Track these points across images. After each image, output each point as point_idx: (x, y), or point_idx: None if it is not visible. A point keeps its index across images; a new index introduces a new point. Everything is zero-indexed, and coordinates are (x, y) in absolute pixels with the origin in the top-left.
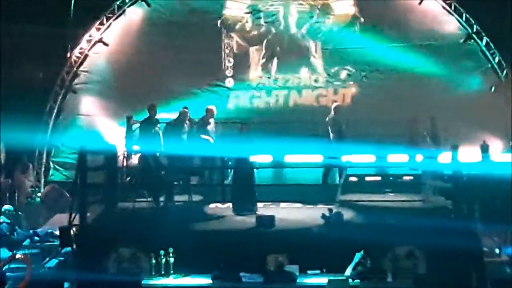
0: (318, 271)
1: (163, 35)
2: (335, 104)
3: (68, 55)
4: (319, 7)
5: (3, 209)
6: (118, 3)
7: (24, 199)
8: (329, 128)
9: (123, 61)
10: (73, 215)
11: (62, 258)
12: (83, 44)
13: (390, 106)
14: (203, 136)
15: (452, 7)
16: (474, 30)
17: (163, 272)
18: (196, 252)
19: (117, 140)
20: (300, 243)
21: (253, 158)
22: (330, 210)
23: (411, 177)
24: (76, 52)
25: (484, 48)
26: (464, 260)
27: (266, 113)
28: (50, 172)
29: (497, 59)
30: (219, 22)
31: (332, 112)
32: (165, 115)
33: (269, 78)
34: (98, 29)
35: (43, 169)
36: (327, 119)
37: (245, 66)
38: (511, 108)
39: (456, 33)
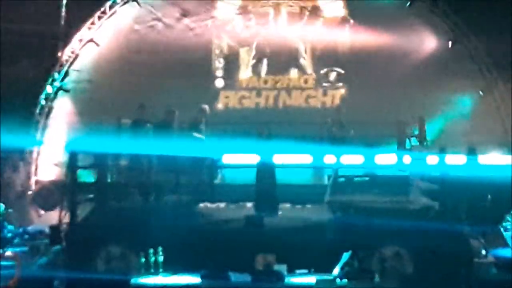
0: (306, 271)
1: (154, 35)
2: (338, 104)
3: (60, 54)
4: (309, 8)
5: None
6: (109, 3)
7: (14, 197)
8: (332, 128)
9: (114, 60)
10: (63, 213)
11: (52, 256)
12: (75, 43)
13: (378, 107)
14: (196, 134)
15: (441, 10)
16: (462, 32)
17: (152, 271)
18: (185, 251)
19: (107, 139)
20: (288, 243)
21: (276, 159)
22: None
23: (399, 178)
24: (68, 51)
25: (472, 51)
26: (450, 261)
27: (255, 113)
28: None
29: (485, 62)
30: (209, 23)
31: (336, 113)
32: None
33: (259, 79)
34: (90, 29)
35: (34, 167)
36: (329, 119)
37: (235, 67)
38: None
39: (445, 36)
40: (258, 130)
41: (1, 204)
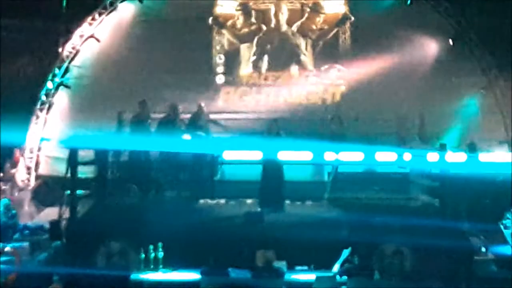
0: (306, 267)
1: (154, 31)
2: (338, 101)
3: (60, 50)
4: (309, 5)
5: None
6: None
7: (15, 193)
8: (332, 125)
9: (114, 56)
10: (63, 209)
11: (51, 252)
12: (75, 39)
13: (379, 104)
14: (196, 131)
15: (442, 8)
16: (464, 30)
17: (152, 267)
18: (185, 247)
19: (108, 135)
20: (288, 240)
21: (282, 155)
22: None
23: (399, 175)
24: (68, 47)
25: (473, 49)
26: (450, 258)
27: (256, 109)
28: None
29: (486, 60)
30: (210, 19)
31: (336, 109)
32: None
33: (259, 75)
34: (90, 25)
35: (34, 163)
36: (329, 116)
37: (235, 63)
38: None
39: (445, 33)
40: (269, 126)
41: (8, 199)
